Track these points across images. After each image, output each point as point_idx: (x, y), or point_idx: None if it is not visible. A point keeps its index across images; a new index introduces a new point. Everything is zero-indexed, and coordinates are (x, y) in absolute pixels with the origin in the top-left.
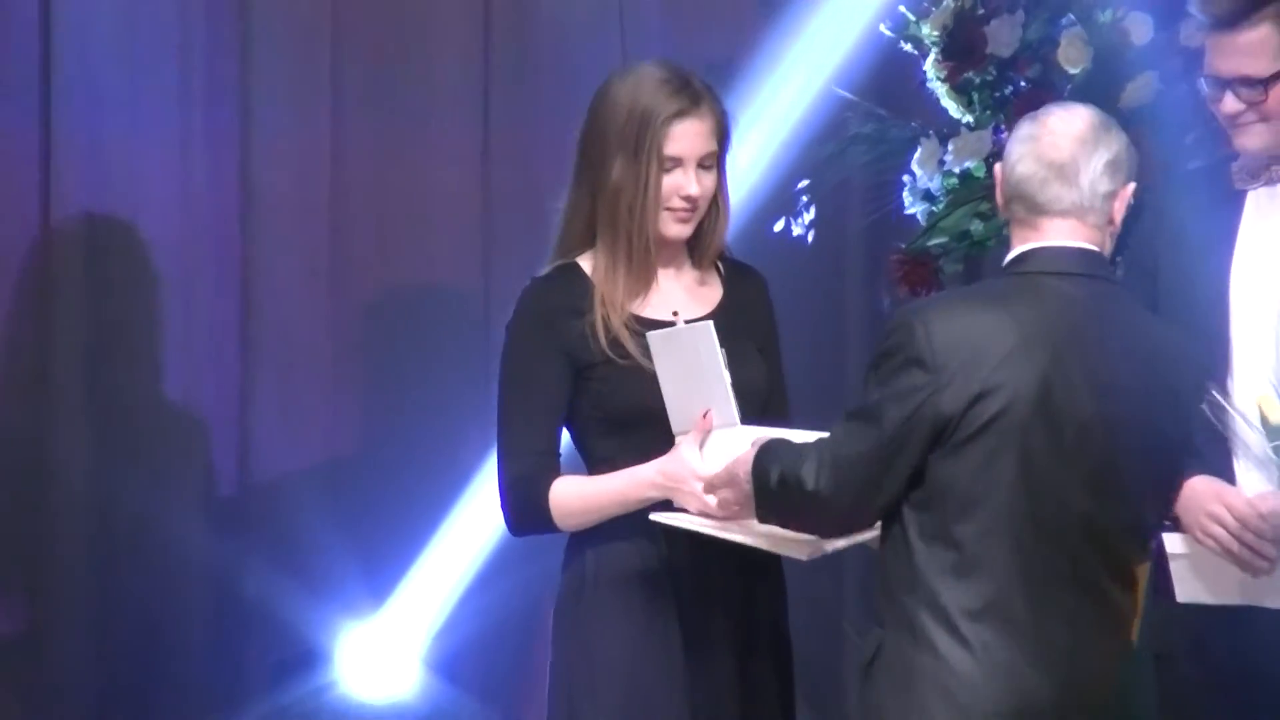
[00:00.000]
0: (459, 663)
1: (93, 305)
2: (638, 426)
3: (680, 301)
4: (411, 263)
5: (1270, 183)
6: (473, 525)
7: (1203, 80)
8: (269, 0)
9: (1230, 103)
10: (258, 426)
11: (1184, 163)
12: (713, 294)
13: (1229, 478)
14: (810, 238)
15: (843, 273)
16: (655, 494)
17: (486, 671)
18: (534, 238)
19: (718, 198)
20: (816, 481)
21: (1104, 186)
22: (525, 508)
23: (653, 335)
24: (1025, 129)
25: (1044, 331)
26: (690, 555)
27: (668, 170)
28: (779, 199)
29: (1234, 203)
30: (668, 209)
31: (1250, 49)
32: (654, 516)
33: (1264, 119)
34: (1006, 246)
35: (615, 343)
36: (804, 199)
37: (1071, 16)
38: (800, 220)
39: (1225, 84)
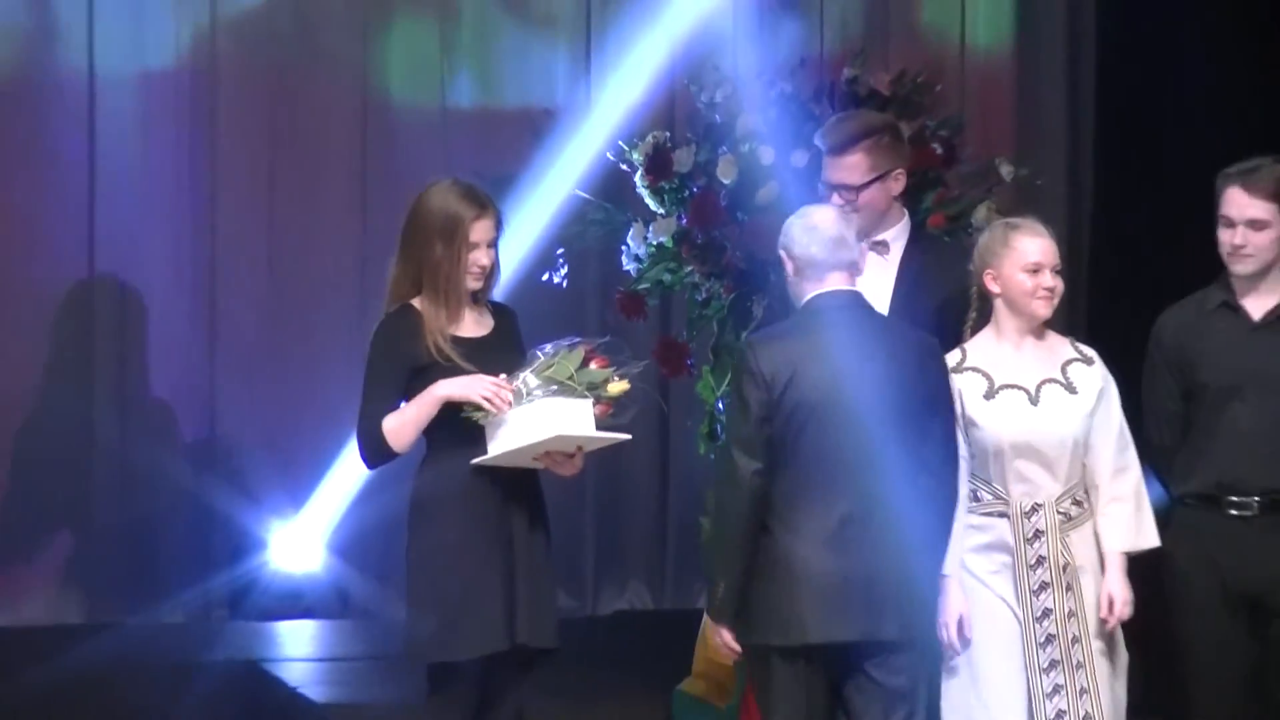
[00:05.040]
0: (352, 549)
1: None
2: (456, 406)
3: (470, 327)
4: (297, 298)
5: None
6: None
7: (821, 185)
8: None
9: (835, 199)
10: (220, 400)
11: None
12: (488, 322)
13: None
14: (565, 284)
15: (583, 307)
16: (450, 389)
17: (375, 556)
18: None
19: (495, 264)
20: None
21: (856, 253)
22: (369, 440)
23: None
24: (800, 225)
25: (834, 340)
26: (491, 478)
27: (471, 249)
28: (544, 259)
29: None
30: (469, 273)
31: (849, 168)
32: (474, 461)
33: (857, 210)
34: (688, 291)
35: (441, 352)
36: (560, 259)
37: (725, 148)
38: (558, 272)
39: (834, 188)
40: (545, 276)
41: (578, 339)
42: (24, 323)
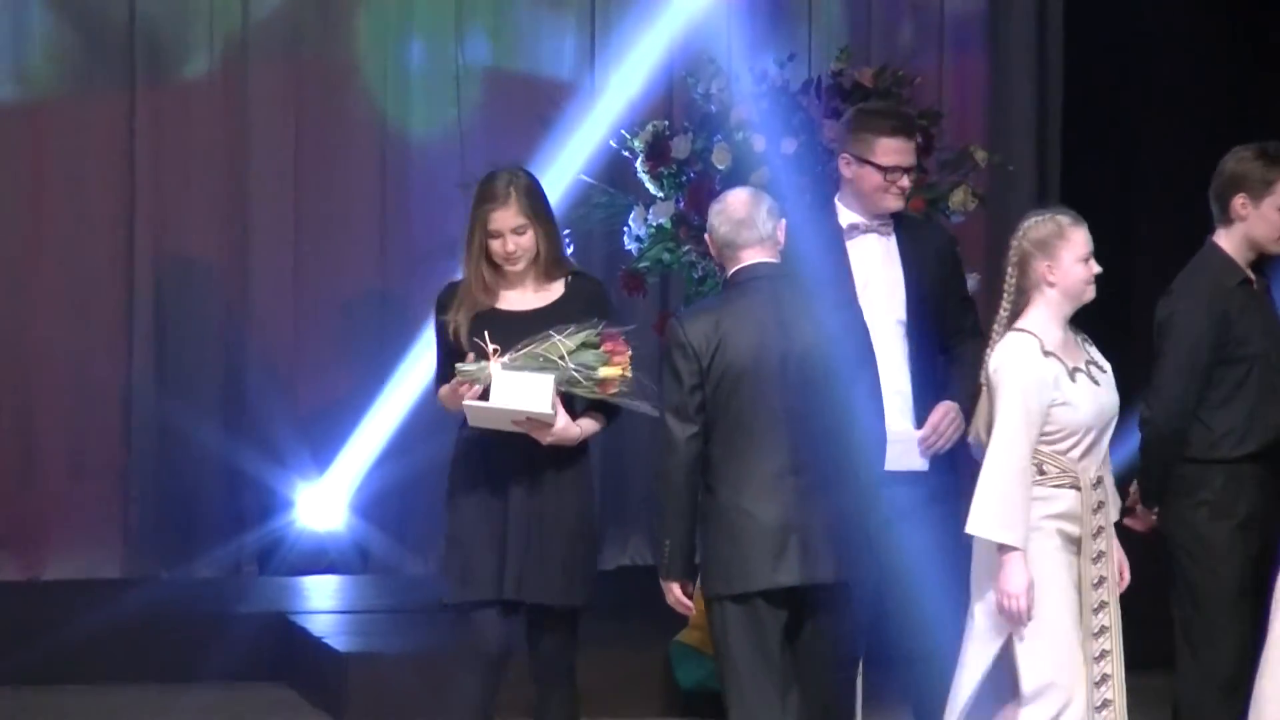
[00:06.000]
0: (373, 509)
1: None
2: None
3: (521, 300)
4: (321, 276)
5: (865, 233)
6: (382, 420)
7: (879, 169)
8: None
9: (905, 181)
10: (250, 371)
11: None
12: (550, 296)
13: None
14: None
15: None
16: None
17: (394, 516)
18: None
19: (540, 242)
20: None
21: (772, 227)
22: (437, 397)
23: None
24: (715, 208)
25: (758, 306)
26: (493, 444)
27: (493, 237)
28: None
29: (839, 246)
30: (499, 260)
31: (912, 151)
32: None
33: (908, 190)
34: (685, 269)
35: (455, 333)
36: (567, 239)
37: (720, 135)
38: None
39: (905, 170)
40: None
41: (601, 323)
42: (69, 301)
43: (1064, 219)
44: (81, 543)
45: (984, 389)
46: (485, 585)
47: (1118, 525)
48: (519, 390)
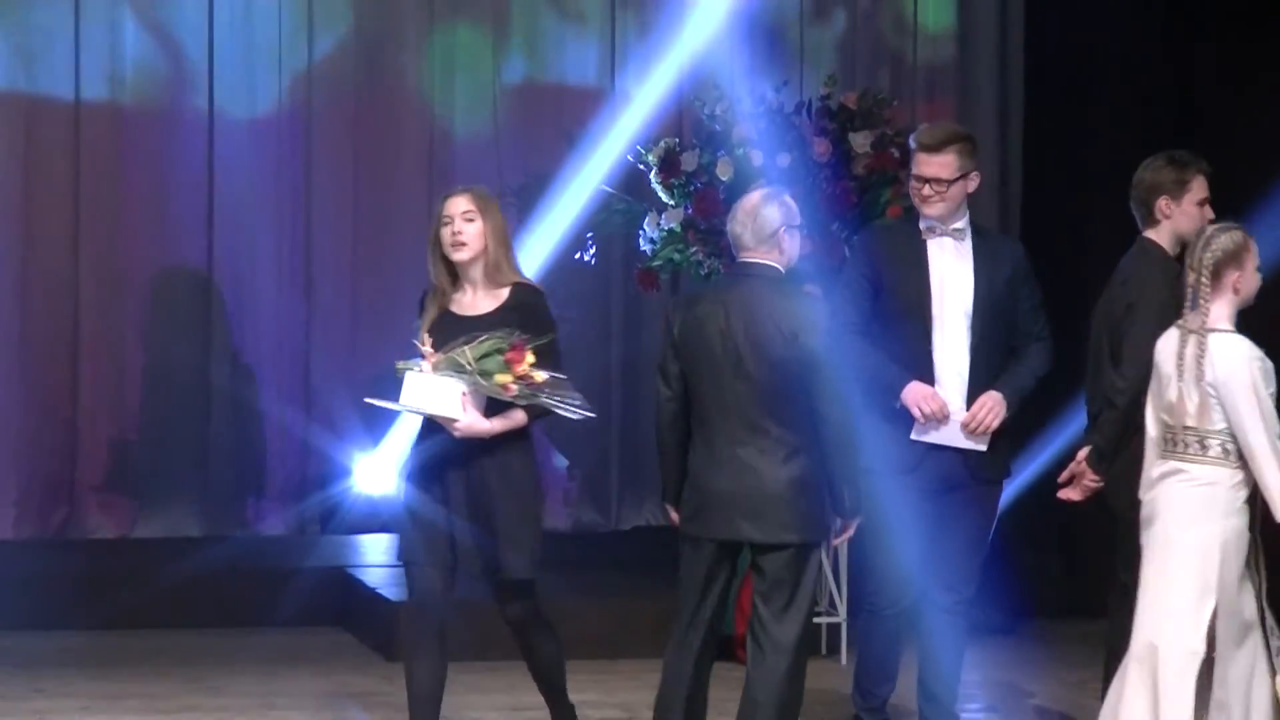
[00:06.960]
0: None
1: None
2: None
3: (472, 305)
4: (376, 270)
5: (941, 236)
6: None
7: (912, 178)
8: None
9: (928, 190)
10: (313, 354)
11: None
12: (495, 303)
13: None
14: (593, 262)
15: (609, 280)
16: None
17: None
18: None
19: (488, 241)
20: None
21: (768, 230)
22: None
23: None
24: (734, 208)
25: (731, 298)
26: (440, 432)
27: (444, 224)
28: (577, 242)
29: (920, 245)
30: (447, 249)
31: (942, 165)
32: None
33: (944, 200)
34: (693, 267)
35: (427, 333)
36: (589, 241)
37: (723, 151)
38: (588, 252)
39: (927, 180)
40: (577, 255)
41: (515, 332)
42: (155, 292)
43: (1241, 233)
44: (166, 505)
45: (1196, 392)
46: (421, 554)
47: (1055, 498)
48: (425, 393)
